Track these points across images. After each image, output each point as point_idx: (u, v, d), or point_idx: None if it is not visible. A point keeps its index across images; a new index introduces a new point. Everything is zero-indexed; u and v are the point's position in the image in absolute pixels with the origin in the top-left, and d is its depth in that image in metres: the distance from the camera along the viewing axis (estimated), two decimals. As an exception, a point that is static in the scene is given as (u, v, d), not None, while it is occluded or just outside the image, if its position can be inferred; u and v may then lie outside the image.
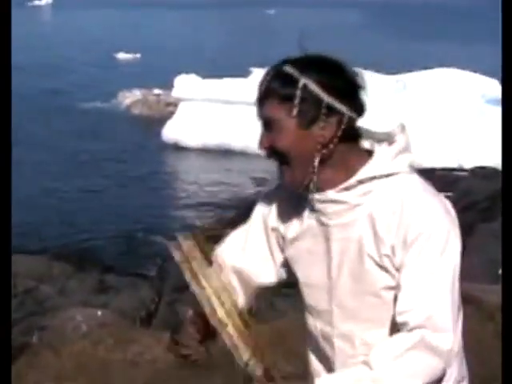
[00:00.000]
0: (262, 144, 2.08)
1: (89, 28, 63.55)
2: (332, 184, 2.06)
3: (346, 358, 2.15)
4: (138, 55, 44.61)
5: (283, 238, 2.24)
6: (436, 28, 68.32)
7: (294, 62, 2.05)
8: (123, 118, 26.30)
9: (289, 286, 2.49)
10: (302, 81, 2.01)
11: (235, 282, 2.29)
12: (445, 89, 21.28)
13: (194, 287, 2.09)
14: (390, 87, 21.82)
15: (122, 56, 44.66)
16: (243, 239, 2.31)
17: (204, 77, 23.40)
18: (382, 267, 2.04)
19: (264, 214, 2.28)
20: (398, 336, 2.01)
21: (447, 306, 2.00)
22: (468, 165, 17.91)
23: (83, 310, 7.74)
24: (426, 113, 20.49)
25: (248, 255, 2.29)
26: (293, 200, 2.17)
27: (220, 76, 23.15)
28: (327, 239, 2.12)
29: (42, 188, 17.56)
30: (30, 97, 28.40)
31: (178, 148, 22.03)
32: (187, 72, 23.76)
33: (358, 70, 2.09)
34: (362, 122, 2.09)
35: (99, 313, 7.64)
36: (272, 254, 2.28)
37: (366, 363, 2.00)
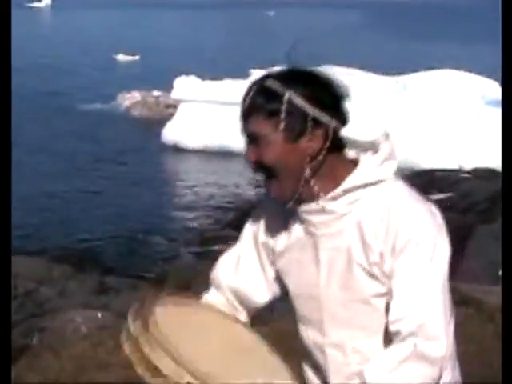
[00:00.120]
0: (248, 158, 2.08)
1: (88, 29, 63.64)
2: (320, 195, 2.07)
3: (339, 366, 2.16)
4: (138, 57, 44.64)
5: (273, 251, 2.25)
6: (436, 28, 68.42)
7: (277, 77, 2.05)
8: (123, 119, 26.32)
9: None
10: (287, 95, 2.01)
11: (235, 302, 2.30)
12: (445, 90, 21.29)
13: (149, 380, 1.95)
14: (390, 88, 21.83)
15: (121, 57, 44.72)
16: (236, 258, 2.32)
17: (204, 78, 23.43)
18: (371, 275, 2.05)
19: (253, 230, 2.29)
20: (391, 348, 2.03)
21: (439, 312, 2.01)
22: (468, 166, 17.93)
23: (83, 312, 7.73)
24: (426, 114, 20.50)
25: (242, 275, 2.30)
26: (280, 212, 2.17)
27: (220, 77, 23.17)
28: (315, 249, 2.13)
29: (42, 189, 17.57)
30: (29, 98, 28.42)
31: (177, 149, 22.04)
32: (187, 73, 23.78)
33: (338, 79, 2.09)
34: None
35: (99, 314, 7.64)
36: (264, 271, 2.29)
37: (361, 379, 2.01)
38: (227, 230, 13.20)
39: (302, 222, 2.13)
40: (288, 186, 2.06)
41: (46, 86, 32.38)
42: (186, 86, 23.15)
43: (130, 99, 28.25)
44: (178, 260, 12.16)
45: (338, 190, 2.06)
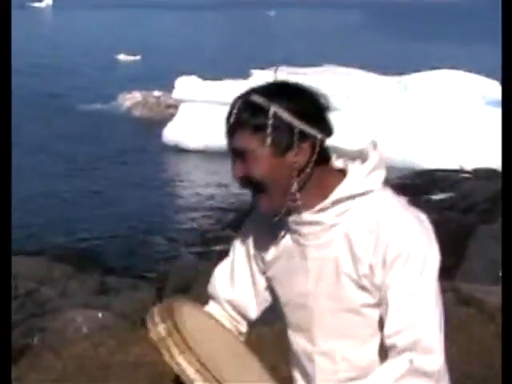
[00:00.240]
0: (235, 174, 2.08)
1: (89, 29, 63.67)
2: (309, 206, 2.07)
3: (327, 375, 2.16)
4: (139, 57, 44.66)
5: (263, 260, 2.25)
6: (436, 28, 68.46)
7: (261, 91, 2.05)
8: (124, 119, 26.33)
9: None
10: (272, 109, 1.99)
11: (234, 313, 2.31)
12: (445, 90, 21.30)
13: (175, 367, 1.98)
14: (391, 88, 21.84)
15: (122, 58, 44.73)
16: (229, 271, 2.33)
17: (204, 78, 23.43)
18: (360, 286, 2.04)
19: (244, 241, 2.30)
20: (387, 364, 2.02)
21: (434, 324, 2.01)
22: (468, 166, 17.94)
23: (84, 312, 7.74)
24: (427, 114, 20.51)
25: (237, 287, 2.31)
26: (269, 223, 2.17)
27: (220, 77, 23.17)
28: (304, 258, 2.12)
29: (43, 190, 17.58)
30: (30, 98, 28.44)
31: (178, 150, 22.05)
32: (188, 74, 23.79)
33: (321, 90, 2.09)
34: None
35: (100, 314, 7.65)
36: (257, 282, 2.29)
37: None
38: (228, 230, 13.21)
39: (291, 231, 2.13)
40: (277, 200, 2.05)
41: (46, 86, 32.39)
42: (186, 86, 23.15)
43: (130, 99, 28.27)
44: (179, 260, 12.17)
45: (327, 202, 2.05)
